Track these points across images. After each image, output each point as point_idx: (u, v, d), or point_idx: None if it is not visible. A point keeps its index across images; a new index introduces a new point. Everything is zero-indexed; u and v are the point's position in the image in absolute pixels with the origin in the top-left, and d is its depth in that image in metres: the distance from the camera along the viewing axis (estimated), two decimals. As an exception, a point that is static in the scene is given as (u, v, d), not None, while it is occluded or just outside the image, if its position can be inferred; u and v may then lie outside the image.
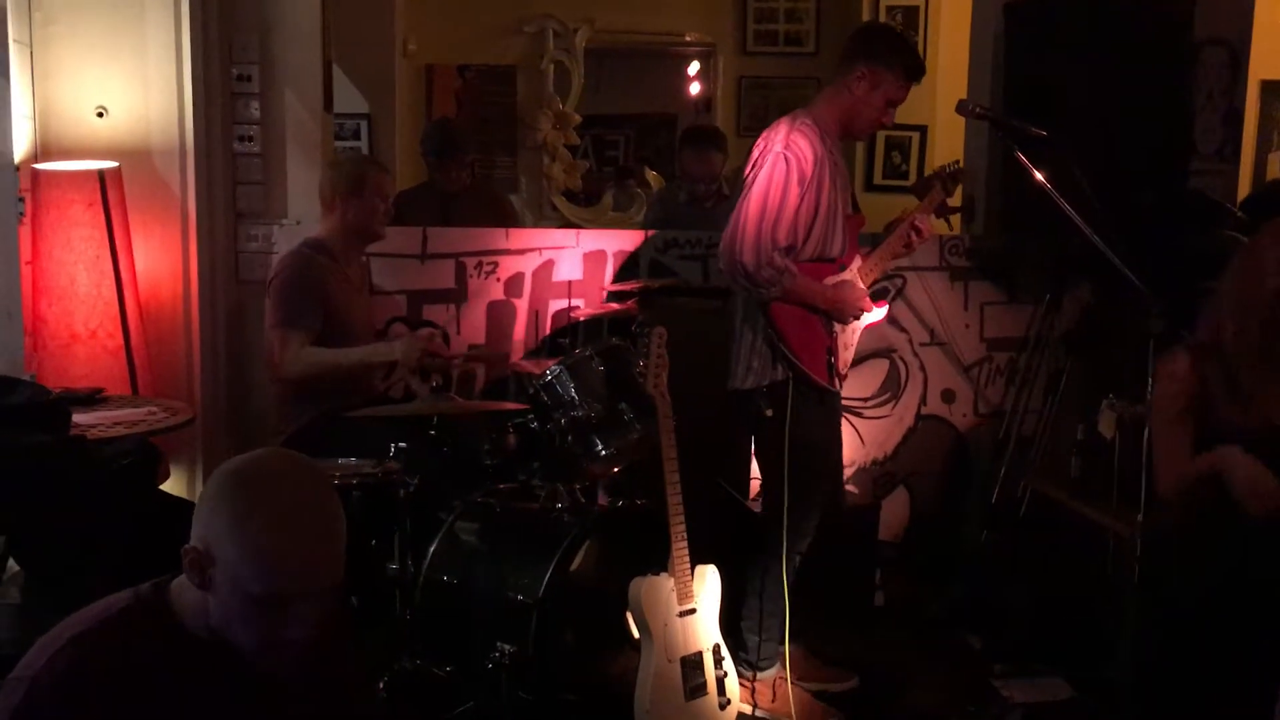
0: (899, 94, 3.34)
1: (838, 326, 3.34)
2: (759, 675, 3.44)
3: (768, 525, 3.34)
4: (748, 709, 3.30)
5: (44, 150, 3.72)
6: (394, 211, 3.72)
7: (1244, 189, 5.54)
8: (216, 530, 1.56)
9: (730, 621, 3.36)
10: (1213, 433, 2.86)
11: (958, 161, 3.78)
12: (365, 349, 3.56)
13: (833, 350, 3.32)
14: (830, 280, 3.34)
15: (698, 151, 5.01)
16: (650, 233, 4.27)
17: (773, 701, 3.41)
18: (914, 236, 3.45)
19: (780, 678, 3.45)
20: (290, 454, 1.72)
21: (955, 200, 3.70)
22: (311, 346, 3.46)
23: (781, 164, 3.20)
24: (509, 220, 5.04)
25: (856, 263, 3.43)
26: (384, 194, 3.64)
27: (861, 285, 3.41)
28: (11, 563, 2.82)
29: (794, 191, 3.20)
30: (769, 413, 3.32)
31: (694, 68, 7.34)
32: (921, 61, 3.42)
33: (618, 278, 4.16)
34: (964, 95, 4.12)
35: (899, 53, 3.35)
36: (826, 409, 3.39)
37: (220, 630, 1.60)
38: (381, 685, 2.98)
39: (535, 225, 6.56)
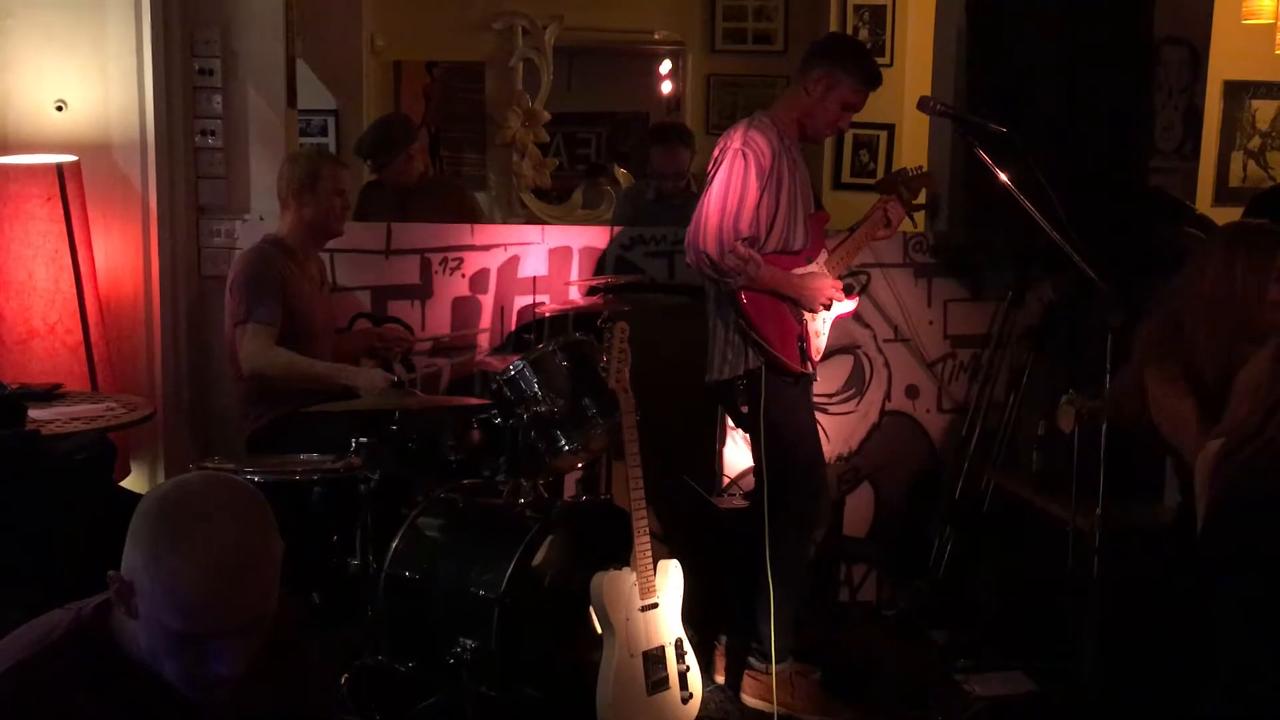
0: (855, 99, 3.41)
1: (806, 314, 3.38)
2: (775, 667, 3.40)
3: (769, 514, 3.33)
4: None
5: (1, 144, 3.68)
6: (351, 206, 3.68)
7: (1205, 187, 5.62)
8: (136, 561, 1.52)
9: (745, 613, 3.38)
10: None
11: (921, 166, 3.82)
12: (331, 366, 3.49)
13: (804, 337, 3.37)
14: (798, 272, 3.38)
15: (665, 148, 5.03)
16: (616, 229, 4.27)
17: (792, 696, 3.41)
18: (883, 222, 3.50)
19: (798, 671, 3.46)
20: (221, 481, 1.61)
21: (920, 198, 3.72)
22: (277, 346, 3.42)
23: (740, 160, 3.28)
24: (469, 213, 5.01)
25: (823, 256, 3.47)
26: (339, 189, 3.60)
27: (831, 276, 3.44)
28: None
29: (753, 185, 3.26)
30: (744, 408, 3.37)
31: (665, 66, 7.35)
32: (879, 70, 3.48)
33: (585, 274, 4.16)
34: (929, 94, 4.14)
35: (856, 59, 3.44)
36: (799, 393, 3.43)
37: (151, 660, 1.56)
38: (344, 681, 2.97)
39: (504, 222, 6.54)
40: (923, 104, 3.54)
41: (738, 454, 4.10)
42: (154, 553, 1.50)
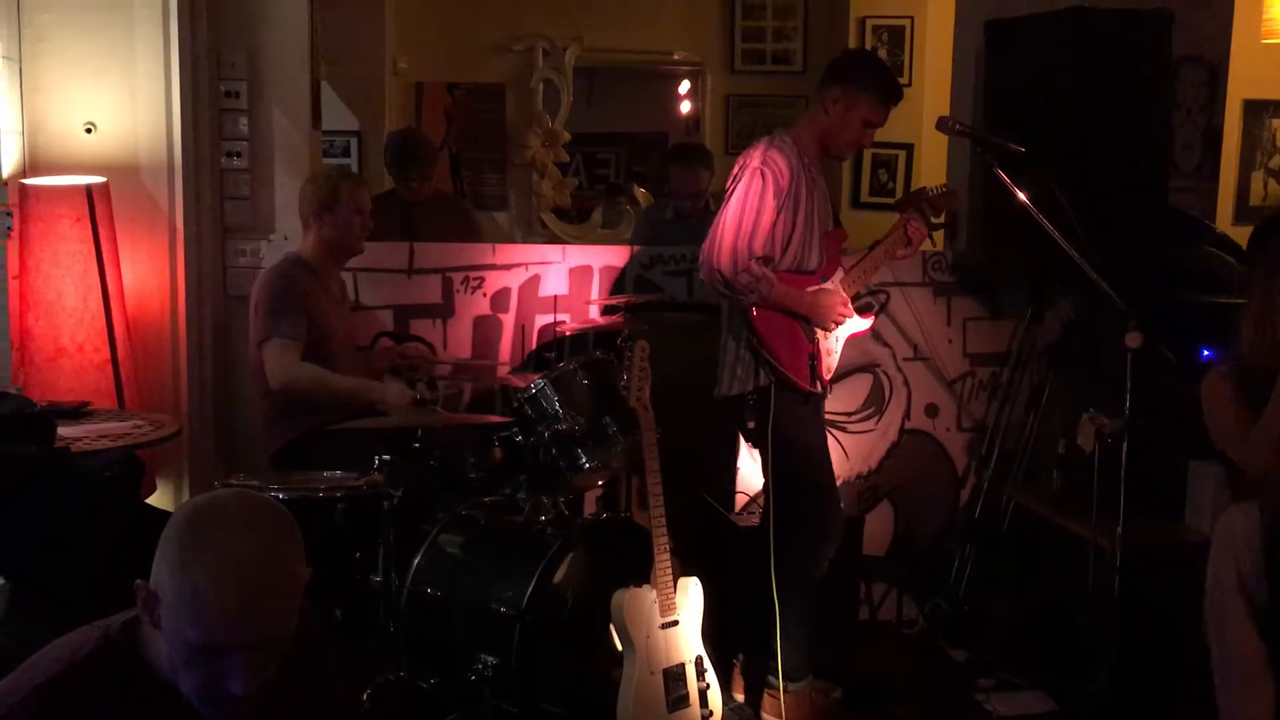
0: (876, 116, 3.42)
1: (819, 333, 3.39)
2: (789, 687, 3.41)
3: (778, 533, 3.34)
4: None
5: (32, 165, 3.74)
6: (372, 225, 3.72)
7: (1225, 206, 5.60)
8: (164, 571, 1.54)
9: (763, 630, 3.38)
10: None
11: (943, 185, 3.83)
12: (358, 381, 3.54)
13: (815, 355, 3.37)
14: (810, 290, 3.39)
15: (685, 168, 5.06)
16: (636, 249, 4.30)
17: (811, 714, 3.42)
18: (907, 238, 3.50)
19: (817, 689, 3.47)
20: (253, 499, 1.64)
21: (941, 217, 3.74)
22: (304, 362, 3.47)
23: (758, 179, 3.29)
24: (472, 232, 5.06)
25: (838, 275, 3.48)
26: (359, 207, 3.64)
27: (843, 294, 3.45)
28: (-4, 575, 2.83)
29: (770, 204, 3.28)
30: (751, 424, 3.38)
31: (684, 86, 7.39)
32: (899, 86, 3.49)
33: (605, 293, 4.19)
34: (948, 113, 4.16)
35: (875, 76, 3.44)
36: (810, 411, 3.43)
37: (170, 674, 1.57)
38: (365, 697, 2.99)
39: (525, 242, 6.58)
40: (941, 124, 3.55)
41: (755, 471, 4.11)
42: (179, 562, 1.52)
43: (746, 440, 3.70)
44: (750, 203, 3.28)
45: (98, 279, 3.60)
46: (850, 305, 3.45)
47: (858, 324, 3.52)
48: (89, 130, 3.78)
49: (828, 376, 3.47)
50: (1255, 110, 6.01)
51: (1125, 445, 3.17)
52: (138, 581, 1.56)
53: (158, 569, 1.55)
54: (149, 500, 3.59)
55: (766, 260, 3.30)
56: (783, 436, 3.34)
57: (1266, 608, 1.86)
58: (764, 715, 3.47)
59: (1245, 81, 5.29)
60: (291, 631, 1.60)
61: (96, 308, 3.60)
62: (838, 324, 3.43)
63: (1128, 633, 3.23)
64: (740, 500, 4.16)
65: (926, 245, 3.76)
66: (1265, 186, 6.14)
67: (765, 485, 3.43)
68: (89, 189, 3.60)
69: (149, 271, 3.86)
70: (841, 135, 3.42)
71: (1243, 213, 5.99)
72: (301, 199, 3.67)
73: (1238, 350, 2.96)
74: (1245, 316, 2.95)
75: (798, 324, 3.37)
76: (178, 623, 1.52)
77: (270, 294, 3.52)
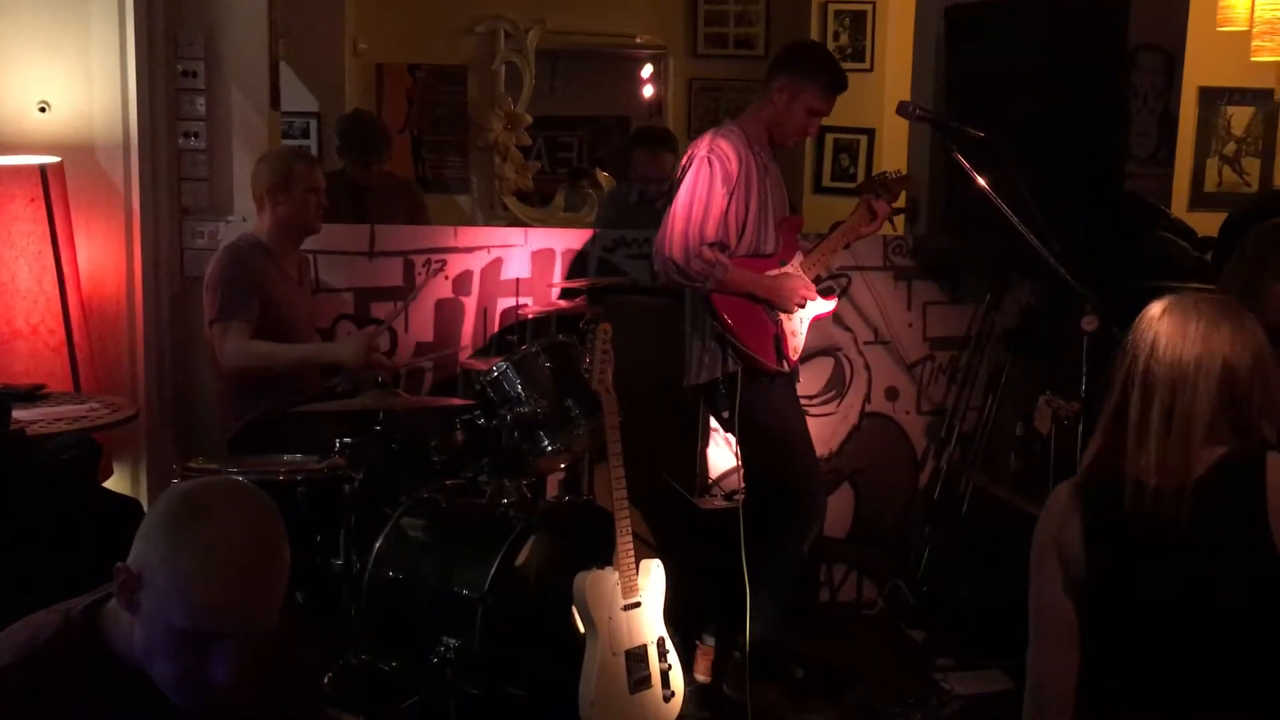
0: (820, 105, 3.46)
1: (782, 315, 3.41)
2: (753, 663, 3.39)
3: (755, 517, 3.35)
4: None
5: (-16, 144, 3.68)
6: (324, 202, 3.69)
7: (1180, 192, 5.67)
8: (150, 554, 1.52)
9: (728, 611, 3.40)
10: None
11: (899, 170, 3.86)
12: (310, 347, 3.55)
13: (780, 336, 3.40)
14: (769, 273, 3.41)
15: (648, 152, 5.05)
16: (599, 231, 4.30)
17: (773, 694, 3.43)
18: (868, 216, 3.52)
19: (780, 670, 3.49)
20: (242, 487, 1.65)
21: (900, 201, 3.76)
22: (253, 340, 3.44)
23: (706, 167, 3.33)
24: (421, 216, 5.05)
25: (797, 259, 3.50)
26: (313, 186, 3.61)
27: (805, 277, 3.47)
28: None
29: (719, 191, 3.31)
30: (725, 414, 3.40)
31: (647, 70, 7.37)
32: (844, 75, 3.52)
33: (567, 276, 4.19)
34: (909, 98, 4.18)
35: (820, 66, 3.48)
36: (782, 391, 3.46)
37: (142, 660, 1.55)
38: (327, 681, 2.98)
39: (486, 225, 6.55)
40: (902, 109, 3.58)
41: (719, 455, 4.13)
42: (172, 548, 1.51)
43: (724, 428, 3.71)
44: (699, 191, 3.31)
45: (52, 260, 3.55)
46: (813, 287, 3.47)
47: (821, 305, 3.55)
48: (43, 109, 3.72)
49: (794, 356, 3.50)
50: (1211, 97, 6.06)
51: (1081, 428, 3.21)
52: (118, 565, 1.54)
53: (143, 554, 1.54)
54: (106, 484, 3.55)
55: (721, 246, 3.32)
56: (757, 422, 3.36)
57: (1084, 585, 1.93)
58: (725, 690, 3.50)
59: (1201, 69, 5.34)
60: (277, 620, 1.59)
61: (51, 289, 3.55)
62: (800, 306, 3.45)
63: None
64: (704, 483, 4.18)
65: (887, 229, 3.79)
66: (1220, 173, 6.20)
67: (744, 470, 3.45)
68: (43, 169, 3.55)
69: (105, 253, 3.80)
70: (787, 124, 3.46)
71: (1198, 199, 6.05)
72: (254, 178, 3.63)
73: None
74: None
75: (760, 307, 3.39)
76: (164, 608, 1.51)
77: (220, 276, 3.49)
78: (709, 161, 3.33)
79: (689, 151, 3.43)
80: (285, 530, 1.62)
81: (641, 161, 5.06)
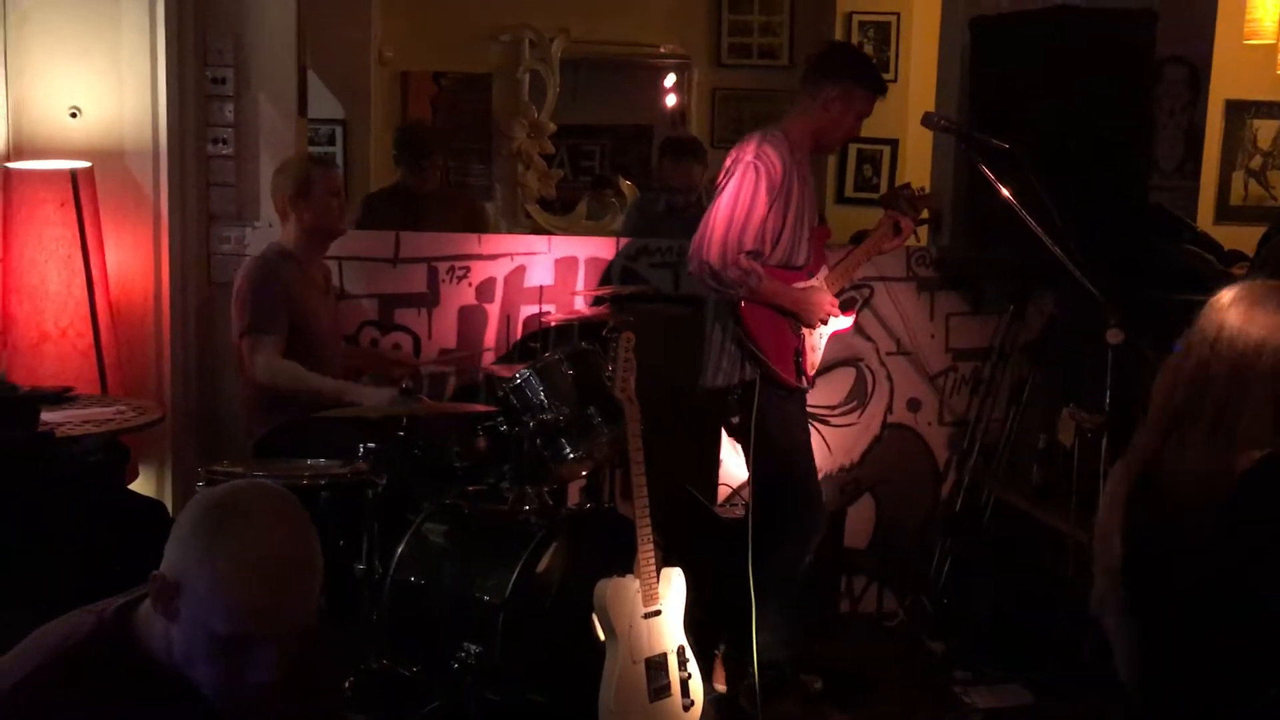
0: (868, 108, 3.48)
1: (805, 330, 3.41)
2: (766, 676, 3.39)
3: (759, 528, 3.36)
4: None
5: (16, 149, 3.72)
6: (346, 205, 3.72)
7: (1206, 206, 5.65)
8: (187, 562, 1.53)
9: (745, 621, 3.40)
10: None
11: (924, 187, 3.87)
12: (340, 384, 3.50)
13: (800, 352, 3.39)
14: (799, 286, 3.41)
15: (677, 162, 5.07)
16: (623, 240, 4.31)
17: (793, 705, 3.45)
18: (892, 233, 3.52)
19: (799, 681, 3.49)
20: (273, 490, 1.64)
21: (921, 215, 3.76)
22: (286, 360, 3.45)
23: (751, 173, 3.29)
24: (478, 223, 5.08)
25: (823, 272, 3.50)
26: (334, 189, 3.64)
27: (829, 292, 3.47)
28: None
29: (762, 199, 3.28)
30: (735, 419, 3.40)
31: (670, 79, 7.40)
32: (883, 77, 3.53)
33: (591, 284, 4.20)
34: (933, 109, 4.18)
35: (870, 69, 3.50)
36: (795, 407, 3.46)
37: (182, 664, 1.56)
38: (348, 685, 3.00)
39: (510, 233, 6.57)
40: (926, 119, 3.58)
41: (739, 464, 4.13)
42: (209, 553, 1.52)
43: (729, 434, 3.72)
44: (743, 197, 3.28)
45: (82, 264, 3.58)
46: (837, 304, 3.47)
47: (841, 322, 3.55)
48: (74, 115, 3.76)
49: (811, 373, 3.50)
50: (1237, 110, 6.06)
51: (1105, 441, 3.20)
52: (154, 573, 1.55)
53: (179, 560, 1.54)
54: (132, 487, 3.58)
55: (756, 255, 3.32)
56: (767, 432, 3.36)
57: (1118, 562, 1.92)
58: (742, 704, 3.50)
59: (1227, 82, 5.34)
60: (314, 618, 1.61)
61: (80, 293, 3.58)
62: (824, 322, 3.45)
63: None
64: (723, 492, 4.18)
65: (911, 241, 3.79)
66: (1245, 186, 6.19)
67: (750, 479, 3.45)
68: (74, 173, 3.59)
69: (133, 257, 3.84)
70: (837, 130, 3.46)
71: (1224, 212, 6.04)
72: (275, 189, 3.66)
73: None
74: None
75: (784, 320, 3.39)
76: (205, 615, 1.52)
77: (250, 288, 3.51)
78: (755, 168, 3.29)
79: (734, 154, 3.38)
80: (315, 532, 1.63)
81: (669, 171, 5.08)
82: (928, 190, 3.80)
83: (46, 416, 3.03)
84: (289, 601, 1.55)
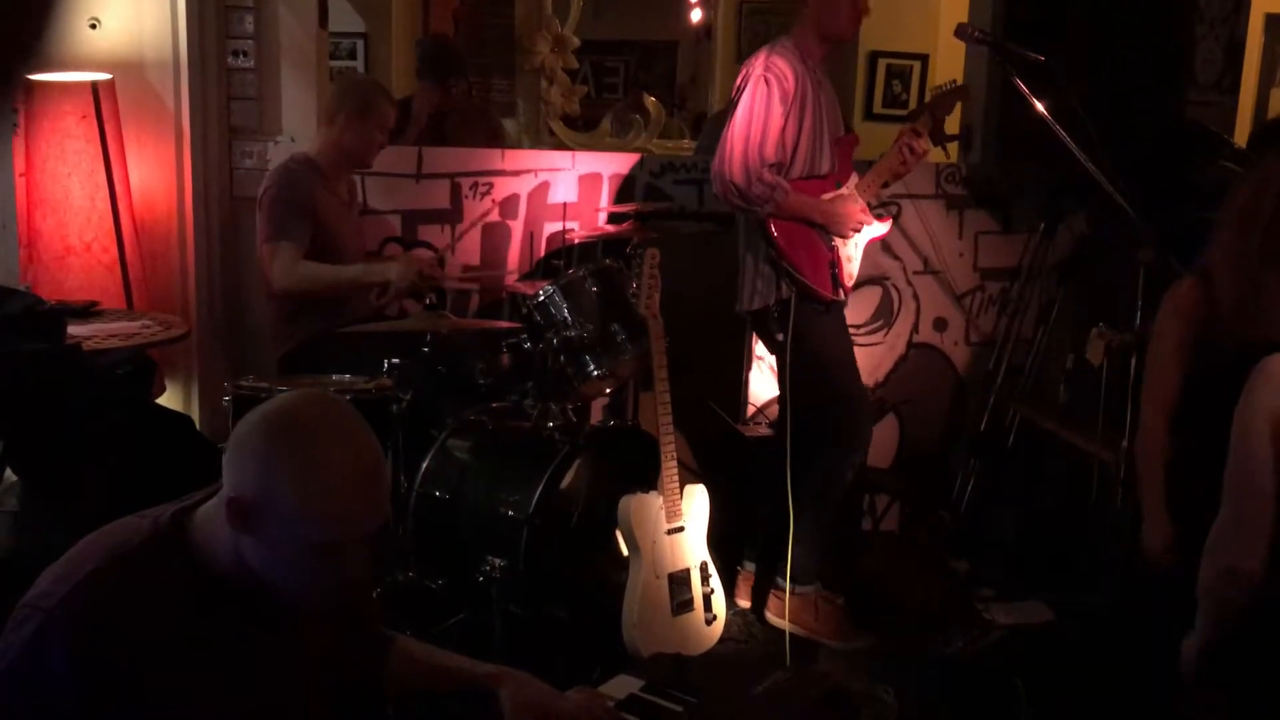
0: None
1: (837, 240, 3.37)
2: (796, 589, 3.44)
3: (801, 443, 3.34)
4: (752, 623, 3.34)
5: (37, 61, 3.68)
6: (386, 145, 3.69)
7: (1243, 122, 5.52)
8: (269, 479, 1.53)
9: (770, 538, 3.43)
10: (1215, 356, 2.75)
11: (955, 80, 3.75)
12: (360, 267, 3.56)
13: (835, 263, 3.36)
14: (827, 197, 3.36)
15: None
16: (645, 156, 4.26)
17: (815, 619, 3.47)
18: (908, 154, 3.44)
19: (822, 596, 3.50)
20: (330, 399, 1.66)
21: (953, 128, 3.68)
22: (305, 260, 3.46)
23: (763, 85, 3.26)
24: (497, 136, 5.04)
25: (853, 180, 3.45)
26: (385, 126, 3.63)
27: (859, 200, 3.42)
28: (9, 472, 2.85)
29: (777, 110, 3.24)
30: (780, 337, 3.37)
31: (695, -7, 7.27)
32: None
33: (615, 201, 4.16)
34: (966, 21, 4.08)
35: None
36: (833, 319, 3.44)
37: (262, 575, 1.58)
38: (375, 596, 3.03)
39: (533, 149, 6.52)
40: (960, 31, 3.49)
41: (764, 382, 4.12)
42: (292, 472, 1.53)
43: (772, 353, 3.69)
44: (757, 111, 3.24)
45: (104, 177, 3.57)
46: (869, 211, 3.42)
47: (876, 229, 3.48)
48: (93, 26, 3.72)
49: (849, 284, 3.46)
50: (1277, 25, 5.90)
51: (1134, 360, 3.16)
52: (229, 497, 1.55)
53: (256, 480, 1.54)
54: (159, 401, 3.61)
55: (779, 168, 3.27)
56: (808, 348, 3.34)
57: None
58: (768, 616, 3.53)
59: (1269, -6, 5.19)
60: (390, 510, 1.67)
61: (104, 206, 3.58)
62: (856, 231, 3.40)
63: (1130, 546, 3.26)
64: (749, 411, 4.17)
65: (940, 157, 3.72)
66: (1285, 103, 6.04)
67: (782, 396, 3.44)
68: (94, 85, 3.56)
69: (155, 171, 3.82)
70: (836, 15, 3.33)
71: (1261, 130, 5.90)
72: (334, 95, 3.64)
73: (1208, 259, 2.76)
74: (1225, 221, 2.73)
75: (815, 232, 3.35)
76: (297, 528, 1.53)
77: (275, 195, 3.50)
78: (765, 80, 3.26)
79: (744, 70, 3.35)
80: None
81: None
82: (955, 83, 3.67)
83: (73, 330, 3.04)
84: (373, 500, 1.60)
